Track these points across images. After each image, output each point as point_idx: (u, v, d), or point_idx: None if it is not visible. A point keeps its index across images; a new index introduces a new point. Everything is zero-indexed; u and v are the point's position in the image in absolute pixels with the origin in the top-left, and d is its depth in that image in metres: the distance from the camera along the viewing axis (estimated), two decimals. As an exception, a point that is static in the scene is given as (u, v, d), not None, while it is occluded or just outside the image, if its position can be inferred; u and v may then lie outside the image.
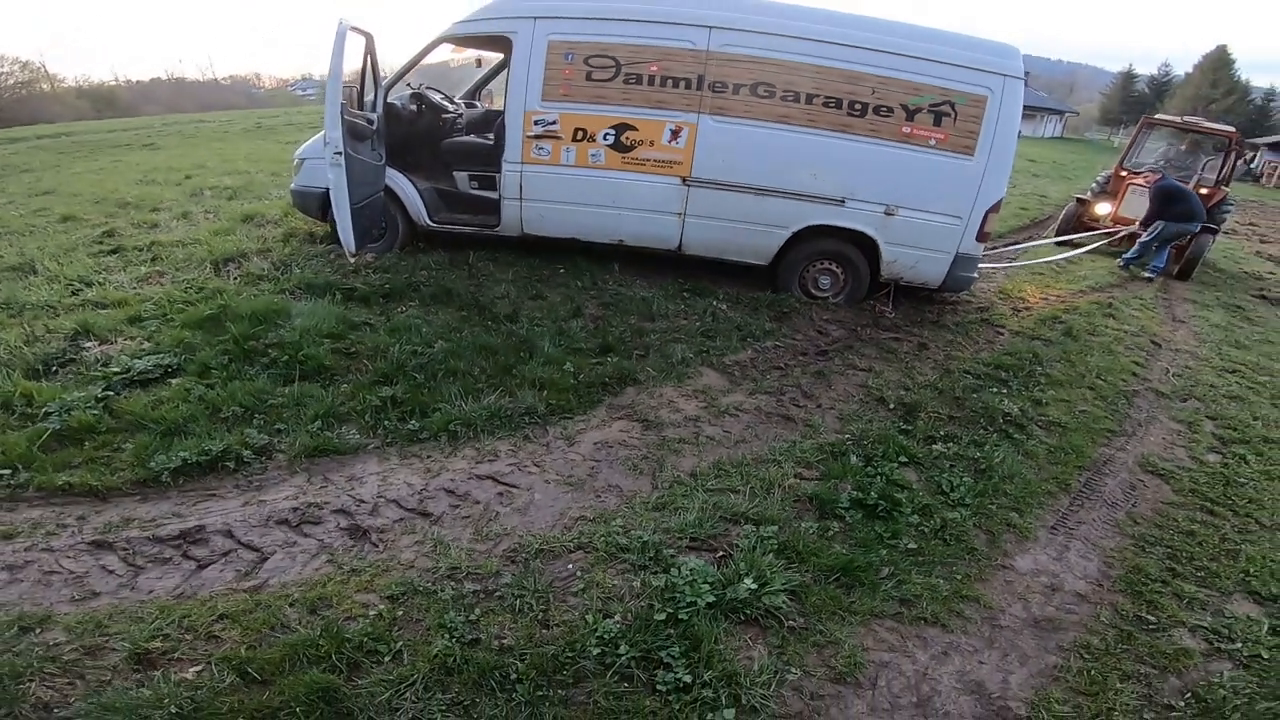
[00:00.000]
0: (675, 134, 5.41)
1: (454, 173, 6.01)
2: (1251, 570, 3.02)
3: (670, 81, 5.31)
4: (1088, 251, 8.55)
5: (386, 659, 2.11)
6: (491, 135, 6.07)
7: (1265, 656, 2.51)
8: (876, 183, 5.37)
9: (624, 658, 2.15)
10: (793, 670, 2.22)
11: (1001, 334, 5.74)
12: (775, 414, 3.98)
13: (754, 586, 2.47)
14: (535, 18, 5.29)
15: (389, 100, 5.69)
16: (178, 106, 34.05)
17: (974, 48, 5.19)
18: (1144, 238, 8.43)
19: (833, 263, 5.76)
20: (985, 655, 2.43)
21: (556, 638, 2.22)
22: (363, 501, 2.91)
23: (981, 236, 5.45)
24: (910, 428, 3.93)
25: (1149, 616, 2.68)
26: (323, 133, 4.94)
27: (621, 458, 3.41)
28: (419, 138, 6.04)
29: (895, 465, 3.46)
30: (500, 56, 6.38)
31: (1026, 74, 5.38)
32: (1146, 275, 8.43)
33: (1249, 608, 2.80)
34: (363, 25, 5.19)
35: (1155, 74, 68.75)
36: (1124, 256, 8.68)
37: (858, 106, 5.20)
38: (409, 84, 6.22)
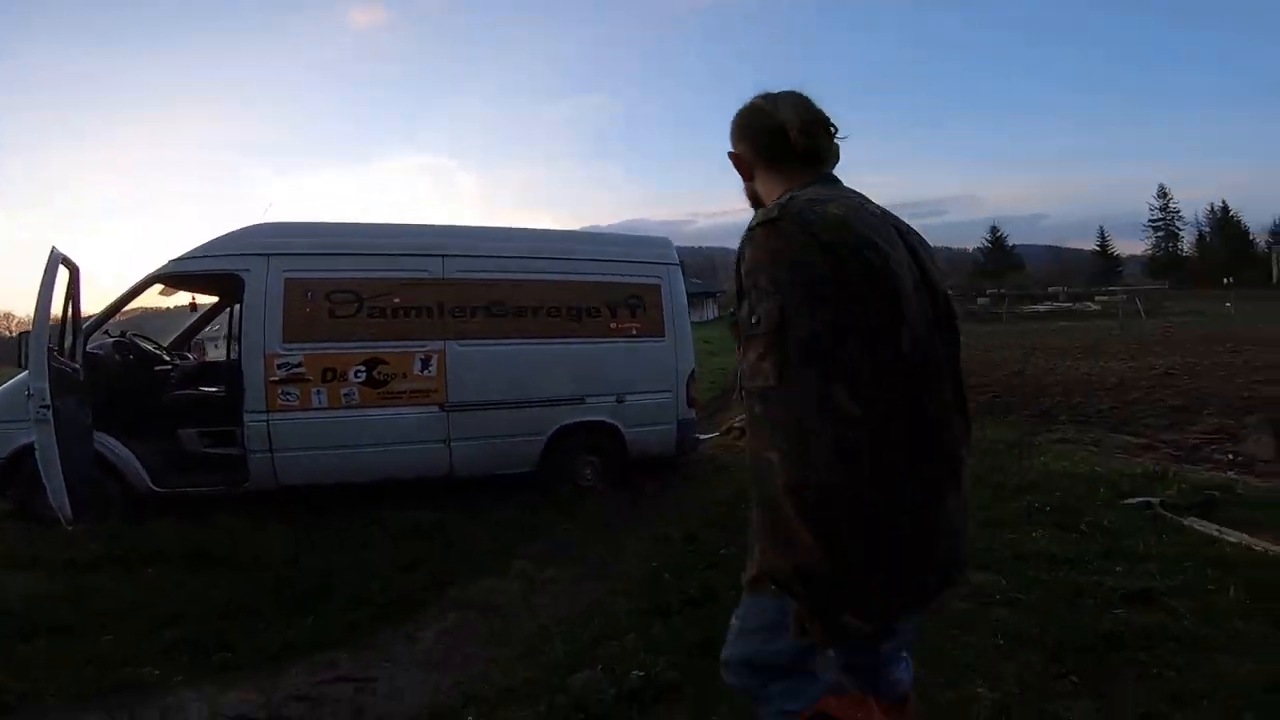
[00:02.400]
0: (426, 362, 5.53)
1: (179, 431, 5.36)
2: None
3: (414, 311, 5.51)
4: None
5: None
6: (218, 386, 5.63)
7: (1022, 598, 3.37)
8: (604, 376, 6.02)
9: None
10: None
11: (732, 471, 6.63)
12: (591, 574, 4.22)
13: (641, 675, 2.62)
14: (269, 254, 5.20)
15: (89, 349, 5.01)
16: None
17: (643, 243, 6.60)
18: None
19: (590, 454, 6.13)
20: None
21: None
22: None
23: (691, 403, 6.48)
24: (695, 550, 4.44)
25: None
26: (13, 382, 4.27)
27: (471, 636, 3.34)
28: (129, 393, 5.34)
29: (695, 576, 3.85)
30: (215, 300, 6.10)
31: (681, 262, 6.89)
32: None
33: (981, 577, 3.75)
34: (71, 257, 4.68)
35: None
36: None
37: (574, 311, 5.96)
38: (108, 331, 5.53)
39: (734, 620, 1.47)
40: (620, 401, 6.09)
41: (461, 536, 4.83)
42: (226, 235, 5.36)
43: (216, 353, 7.81)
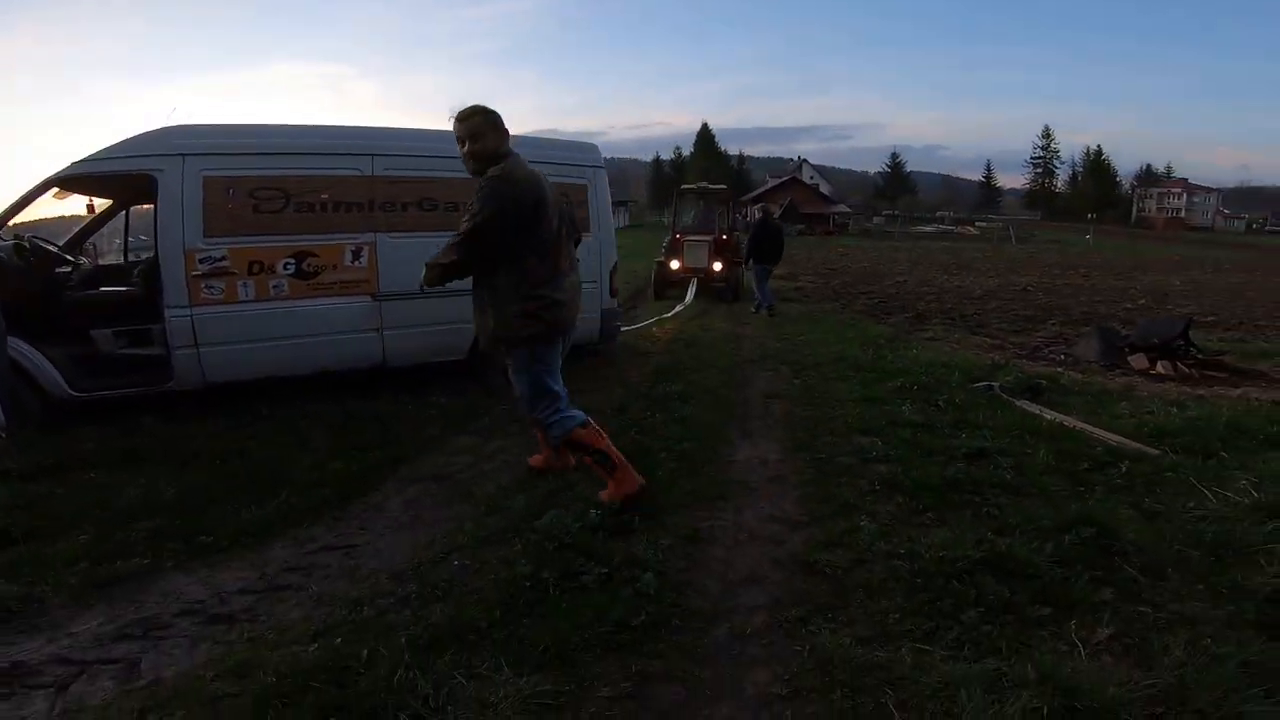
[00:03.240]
0: (356, 254, 5.61)
1: (92, 333, 5.21)
2: (849, 421, 4.87)
3: (344, 206, 5.56)
4: (693, 299, 11.51)
5: (361, 668, 2.13)
6: (130, 285, 5.47)
7: (893, 454, 4.09)
8: None
9: (551, 579, 2.64)
10: (662, 543, 2.99)
11: (651, 357, 7.52)
12: (532, 443, 4.62)
13: (599, 512, 3.18)
14: (184, 154, 5.08)
15: None
16: None
17: (571, 147, 6.88)
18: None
19: None
20: (766, 504, 3.54)
21: (499, 590, 2.58)
22: (200, 601, 2.68)
23: (614, 293, 7.04)
24: (626, 418, 5.05)
25: (820, 456, 4.19)
26: None
27: (433, 501, 3.73)
28: (34, 296, 5.07)
29: (628, 438, 4.43)
30: (110, 203, 5.82)
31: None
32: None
33: (863, 439, 4.50)
34: None
35: (673, 157, 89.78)
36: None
37: None
38: (3, 235, 5.20)
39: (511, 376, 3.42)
40: None
41: (399, 422, 5.12)
42: (136, 137, 5.10)
43: (113, 256, 7.34)
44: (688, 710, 2.00)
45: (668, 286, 12.78)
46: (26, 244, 5.27)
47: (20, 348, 4.72)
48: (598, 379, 6.46)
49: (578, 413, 3.43)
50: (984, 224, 61.35)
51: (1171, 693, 1.98)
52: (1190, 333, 7.53)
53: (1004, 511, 3.22)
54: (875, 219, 66.07)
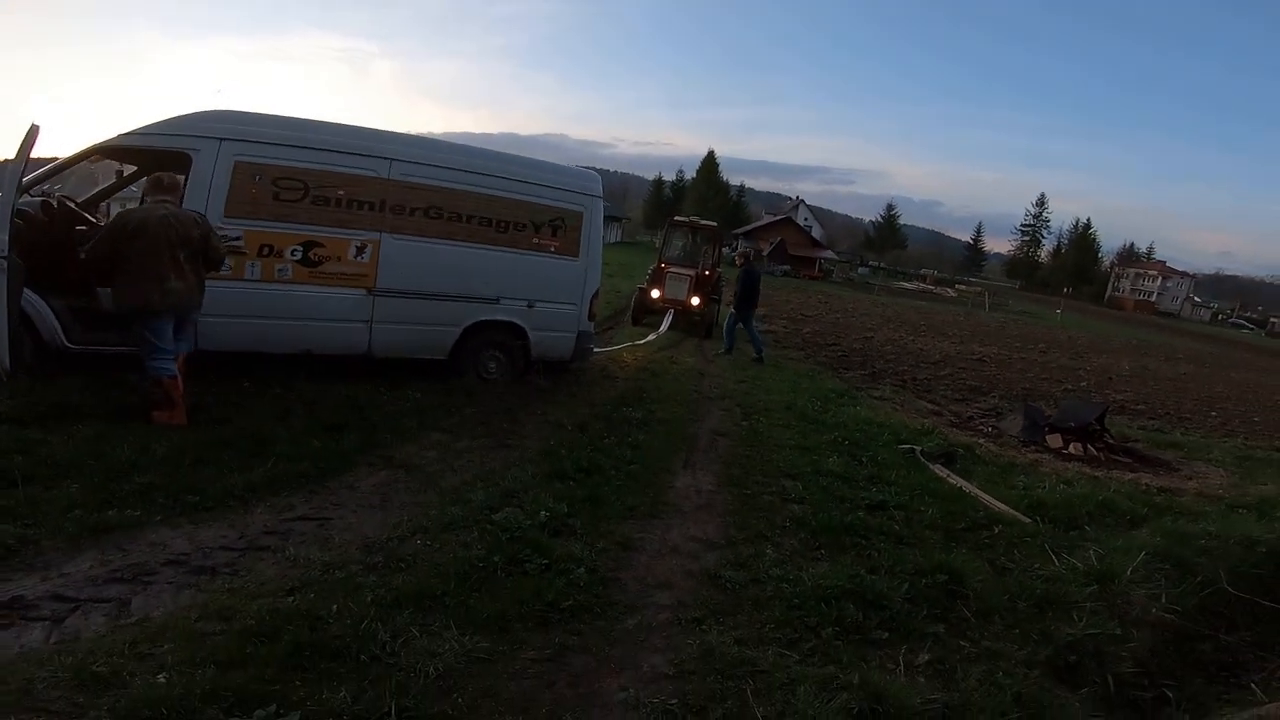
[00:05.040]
0: (361, 250, 6.10)
1: (97, 290, 5.50)
2: (780, 465, 5.50)
3: (356, 204, 6.04)
4: (666, 330, 12.03)
5: (331, 619, 2.62)
6: None
7: (809, 498, 4.71)
8: (520, 283, 6.88)
9: (500, 563, 3.19)
10: (598, 546, 3.56)
11: (617, 381, 8.09)
12: (498, 446, 5.23)
13: (548, 514, 3.74)
14: (221, 139, 5.53)
15: (19, 205, 5.02)
16: None
17: (574, 175, 7.40)
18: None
19: (497, 350, 7.00)
20: (692, 526, 4.12)
21: (455, 565, 3.11)
22: (185, 554, 3.13)
23: (591, 316, 7.52)
24: (585, 436, 5.63)
25: (747, 491, 4.80)
26: None
27: (402, 487, 4.25)
28: (49, 249, 5.39)
29: (585, 454, 5.05)
30: (135, 170, 6.23)
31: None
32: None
33: (787, 482, 5.13)
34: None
35: (674, 180, 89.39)
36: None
37: (503, 224, 6.73)
38: (36, 192, 5.61)
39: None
40: (531, 307, 6.99)
41: (376, 410, 5.54)
42: (180, 116, 5.59)
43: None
44: (593, 677, 2.56)
45: (645, 313, 13.36)
46: (54, 202, 5.69)
47: (28, 296, 5.03)
48: (566, 396, 7.01)
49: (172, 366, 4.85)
50: (963, 287, 63.27)
51: (955, 710, 2.59)
52: (1106, 419, 8.32)
53: (881, 555, 3.84)
54: (860, 269, 67.77)
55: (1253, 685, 3.35)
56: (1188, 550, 4.61)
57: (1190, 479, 7.09)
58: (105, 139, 5.49)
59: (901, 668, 2.80)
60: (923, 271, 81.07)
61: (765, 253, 49.21)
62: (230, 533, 3.41)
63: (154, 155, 5.78)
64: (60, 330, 5.25)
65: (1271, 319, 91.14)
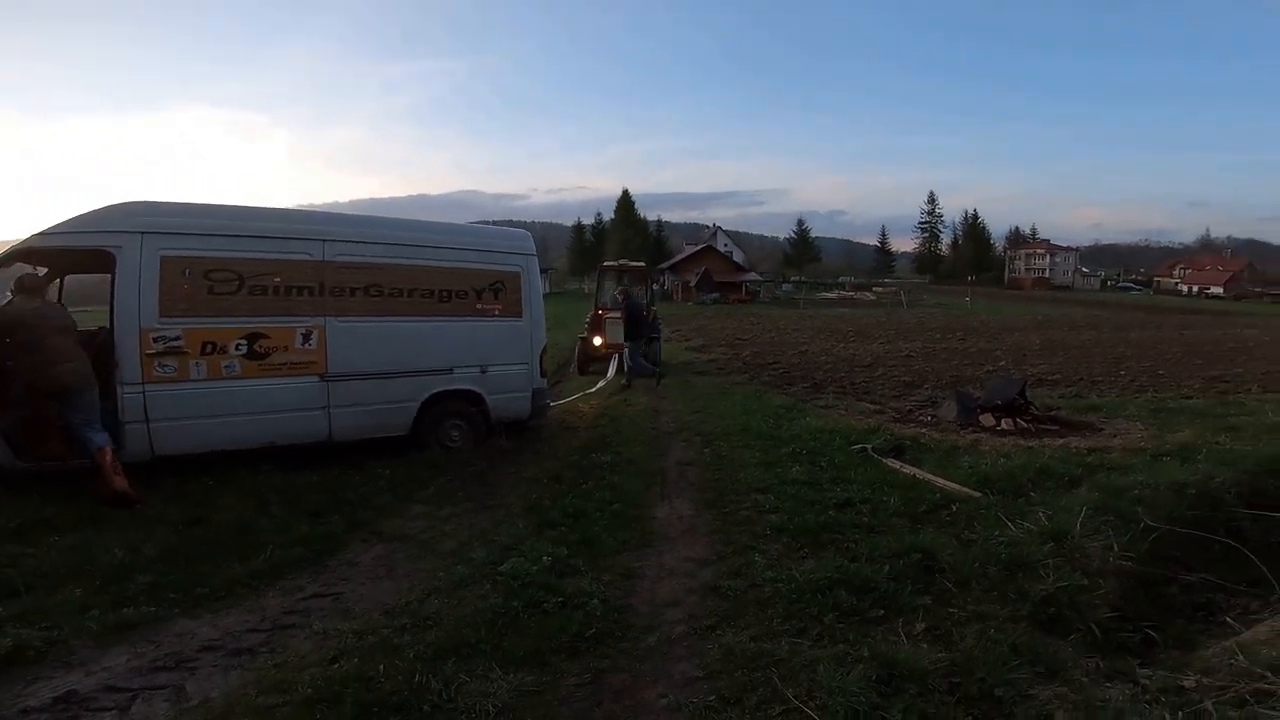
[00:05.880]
0: (306, 336, 6.06)
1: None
2: (748, 482, 5.84)
3: (295, 290, 5.99)
4: (614, 374, 12.33)
5: (381, 678, 2.77)
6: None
7: (782, 507, 5.06)
8: (470, 350, 7.01)
9: (519, 607, 3.39)
10: (603, 579, 3.80)
11: (578, 431, 8.32)
12: (480, 508, 5.38)
13: (550, 558, 3.96)
14: (143, 233, 5.38)
15: None
16: None
17: (507, 237, 7.64)
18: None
19: (457, 418, 7.06)
20: (682, 549, 4.40)
21: (480, 615, 3.30)
22: (216, 640, 3.23)
23: (543, 373, 7.74)
24: (562, 485, 5.83)
25: (725, 511, 5.12)
26: None
27: (402, 556, 4.38)
28: None
29: (567, 501, 5.28)
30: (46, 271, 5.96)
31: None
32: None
33: (759, 496, 5.47)
34: None
35: (594, 223, 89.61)
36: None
37: (445, 294, 6.85)
38: None
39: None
40: (484, 372, 7.13)
41: (349, 490, 5.59)
42: (96, 212, 5.41)
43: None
44: (633, 690, 2.80)
45: (591, 362, 13.65)
46: None
47: None
48: (533, 452, 7.20)
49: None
50: (880, 289, 66.47)
51: (962, 666, 2.92)
52: (1027, 392, 9.11)
53: (858, 545, 4.22)
54: (785, 286, 70.27)
55: (1228, 620, 3.79)
56: (1124, 501, 5.20)
57: (1115, 436, 7.86)
58: (19, 241, 5.30)
59: (903, 638, 3.14)
60: (841, 280, 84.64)
61: (692, 284, 50.51)
62: (251, 617, 3.51)
63: (73, 256, 5.63)
64: (10, 450, 5.10)
65: (1155, 278, 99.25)
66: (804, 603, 3.45)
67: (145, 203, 5.68)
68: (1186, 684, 2.90)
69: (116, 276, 5.35)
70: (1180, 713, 2.60)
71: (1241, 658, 3.05)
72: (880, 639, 3.12)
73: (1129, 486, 5.47)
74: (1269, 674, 2.83)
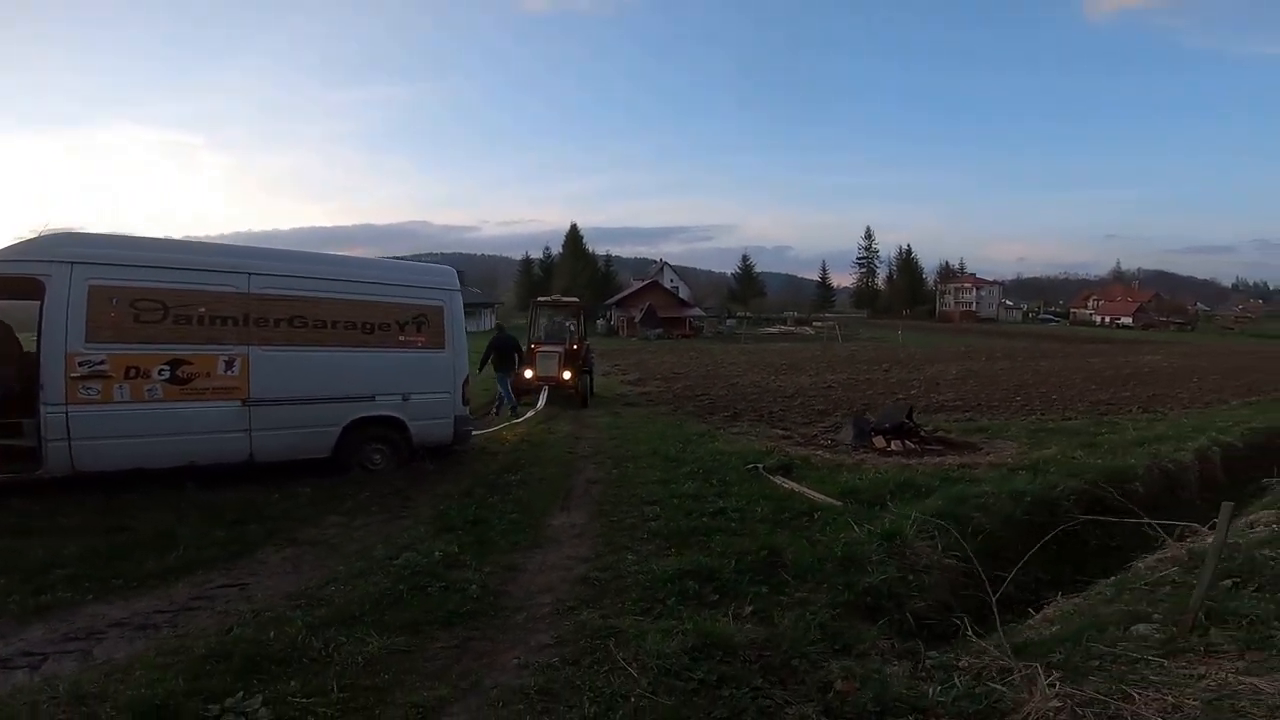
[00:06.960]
0: (230, 364, 6.34)
1: None
2: (642, 496, 6.42)
3: (219, 320, 6.28)
4: (544, 406, 12.81)
5: (271, 641, 3.25)
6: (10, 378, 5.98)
7: (664, 515, 5.69)
8: (392, 379, 7.34)
9: (405, 590, 3.87)
10: (486, 569, 4.31)
11: (499, 455, 8.77)
12: (393, 519, 5.79)
13: (442, 554, 4.47)
14: (72, 263, 5.63)
15: None
16: None
17: (431, 273, 8.06)
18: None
19: (379, 443, 7.40)
20: (567, 550, 4.94)
21: (369, 597, 3.76)
22: (125, 619, 3.64)
23: (465, 401, 8.12)
24: (471, 499, 6.30)
25: (614, 519, 5.68)
26: None
27: (310, 557, 4.78)
28: None
29: (471, 510, 5.76)
30: None
31: (461, 272, 8.51)
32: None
33: (648, 508, 6.06)
34: None
35: (543, 257, 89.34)
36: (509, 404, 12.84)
37: (368, 325, 7.19)
38: None
39: None
40: (406, 400, 7.49)
41: (270, 505, 5.89)
42: (27, 241, 5.72)
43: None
44: (493, 653, 3.32)
45: (522, 394, 14.08)
46: None
47: None
48: (451, 473, 7.60)
49: None
50: (819, 324, 68.66)
51: (773, 641, 3.50)
52: (915, 415, 10.02)
53: (718, 545, 4.86)
54: (728, 321, 71.96)
55: (1029, 610, 4.49)
56: (965, 508, 6.02)
57: (989, 454, 8.79)
58: None
59: (730, 617, 3.73)
60: (784, 314, 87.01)
61: (636, 319, 51.37)
62: (160, 602, 3.90)
63: (3, 282, 5.84)
64: None
65: (1071, 309, 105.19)
66: (655, 589, 4.04)
67: (76, 234, 6.02)
68: (961, 664, 3.42)
69: (45, 303, 5.59)
70: (934, 686, 3.08)
71: (1005, 643, 3.54)
72: (707, 618, 3.67)
73: (974, 495, 6.29)
74: (1009, 656, 3.41)
